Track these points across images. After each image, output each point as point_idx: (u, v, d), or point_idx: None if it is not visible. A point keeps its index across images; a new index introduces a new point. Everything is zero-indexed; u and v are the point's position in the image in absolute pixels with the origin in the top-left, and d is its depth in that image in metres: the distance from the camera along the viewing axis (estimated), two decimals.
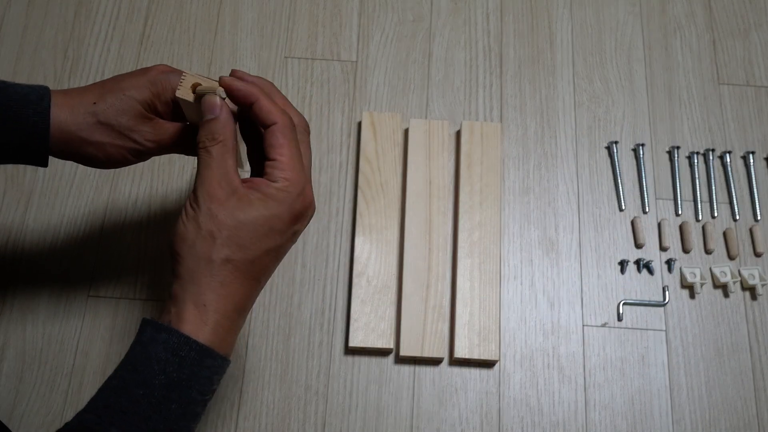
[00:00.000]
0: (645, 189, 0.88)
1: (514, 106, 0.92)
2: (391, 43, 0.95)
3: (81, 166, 0.86)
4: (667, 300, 0.84)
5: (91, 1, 0.96)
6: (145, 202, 0.86)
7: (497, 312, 0.81)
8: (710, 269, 0.85)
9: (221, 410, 0.78)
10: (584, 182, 0.89)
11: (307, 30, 0.95)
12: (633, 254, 0.86)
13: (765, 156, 0.90)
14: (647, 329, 0.82)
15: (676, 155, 0.90)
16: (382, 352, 0.80)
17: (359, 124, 0.90)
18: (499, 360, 0.80)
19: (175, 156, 0.88)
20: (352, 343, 0.79)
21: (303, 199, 0.54)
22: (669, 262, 0.85)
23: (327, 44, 0.95)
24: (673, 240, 0.86)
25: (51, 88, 0.60)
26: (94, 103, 0.59)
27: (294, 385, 0.79)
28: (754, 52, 0.95)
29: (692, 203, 0.88)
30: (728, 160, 0.89)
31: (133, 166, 0.78)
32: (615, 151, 0.90)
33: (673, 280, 0.85)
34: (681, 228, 0.87)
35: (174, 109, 0.62)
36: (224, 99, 0.55)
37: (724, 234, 0.87)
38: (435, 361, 0.80)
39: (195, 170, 0.87)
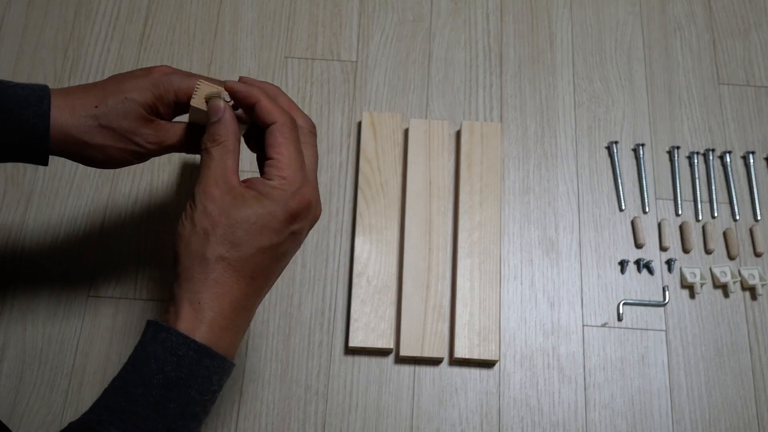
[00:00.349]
0: (645, 189, 0.88)
1: (514, 106, 0.92)
2: (391, 43, 0.95)
3: (81, 166, 0.86)
4: (667, 300, 0.84)
5: (91, 1, 0.96)
6: (145, 202, 0.86)
7: (497, 312, 0.81)
8: (710, 269, 0.85)
9: (221, 410, 0.78)
10: (584, 182, 0.89)
11: (307, 30, 0.95)
12: (633, 254, 0.86)
13: (765, 156, 0.90)
14: (647, 329, 0.82)
15: (676, 155, 0.90)
16: (382, 352, 0.80)
17: (359, 124, 0.90)
18: (499, 360, 0.80)
19: (175, 156, 0.88)
20: (352, 343, 0.79)
21: (300, 198, 0.54)
22: (669, 262, 0.85)
23: (327, 44, 0.95)
24: (673, 240, 0.86)
25: (51, 87, 0.60)
26: (96, 106, 0.59)
27: (294, 385, 0.79)
28: (754, 52, 0.95)
29: (692, 203, 0.88)
30: (728, 160, 0.89)
31: (133, 166, 0.77)
32: (615, 151, 0.90)
33: (673, 280, 0.85)
34: (681, 228, 0.87)
35: (176, 109, 0.62)
36: (228, 102, 0.56)
37: (724, 234, 0.87)
38: (435, 361, 0.80)
39: (195, 169, 0.88)
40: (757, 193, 0.88)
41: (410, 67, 0.94)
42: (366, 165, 0.86)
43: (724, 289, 0.84)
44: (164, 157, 0.87)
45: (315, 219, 0.57)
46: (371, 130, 0.88)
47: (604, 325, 0.83)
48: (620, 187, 0.88)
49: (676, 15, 0.97)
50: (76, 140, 0.59)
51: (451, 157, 0.89)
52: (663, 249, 0.86)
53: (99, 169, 0.86)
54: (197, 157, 0.88)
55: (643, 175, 0.89)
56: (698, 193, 0.88)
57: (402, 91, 0.92)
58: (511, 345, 0.82)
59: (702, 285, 0.84)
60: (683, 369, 0.81)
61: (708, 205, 0.88)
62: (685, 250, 0.86)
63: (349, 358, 0.80)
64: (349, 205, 0.86)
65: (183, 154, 0.88)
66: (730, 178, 0.89)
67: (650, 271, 0.85)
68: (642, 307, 0.83)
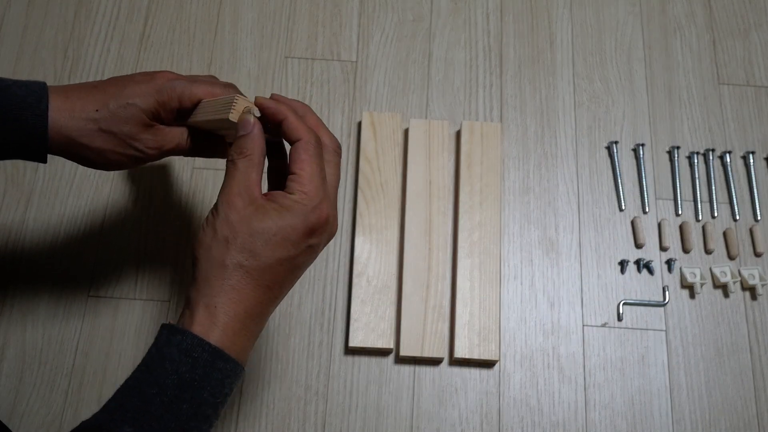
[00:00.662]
0: (645, 189, 0.88)
1: (514, 106, 0.92)
2: (391, 43, 0.95)
3: (81, 166, 0.86)
4: (667, 300, 0.84)
5: (91, 1, 0.96)
6: (145, 202, 0.86)
7: (497, 312, 0.81)
8: (710, 269, 0.85)
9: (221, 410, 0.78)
10: (584, 182, 0.89)
11: (307, 30, 0.95)
12: (633, 254, 0.86)
13: (765, 156, 0.90)
14: (647, 329, 0.82)
15: (676, 155, 0.90)
16: (382, 352, 0.80)
17: (359, 124, 0.90)
18: (499, 360, 0.80)
19: (176, 156, 0.88)
20: (352, 343, 0.79)
21: (319, 213, 0.55)
22: (669, 262, 0.85)
23: (327, 44, 0.95)
24: (673, 240, 0.86)
25: (50, 85, 0.59)
26: (97, 110, 0.58)
27: (294, 385, 0.79)
28: (754, 52, 0.95)
29: (692, 203, 0.88)
30: (728, 160, 0.89)
31: None
32: (615, 151, 0.90)
33: (673, 280, 0.85)
34: (681, 228, 0.87)
35: (177, 115, 0.62)
36: (258, 117, 0.57)
37: (724, 234, 0.87)
38: (435, 361, 0.80)
39: (195, 170, 0.88)
40: (757, 193, 0.88)
41: (410, 67, 0.94)
42: (366, 165, 0.86)
43: (724, 289, 0.84)
44: (164, 158, 0.87)
45: (332, 234, 0.58)
46: (371, 130, 0.88)
47: (604, 325, 0.83)
48: (620, 187, 0.88)
49: (676, 15, 0.97)
50: (76, 143, 0.59)
51: (451, 157, 0.89)
52: (663, 249, 0.86)
53: (99, 170, 0.86)
54: (197, 158, 0.88)
55: (643, 175, 0.89)
56: (698, 193, 0.88)
57: (402, 91, 0.92)
58: (511, 345, 0.82)
59: (702, 285, 0.84)
60: (683, 369, 0.81)
61: (708, 205, 0.88)
62: (685, 250, 0.86)
63: (349, 358, 0.80)
64: (349, 205, 0.86)
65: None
66: (730, 178, 0.89)
67: (650, 271, 0.85)
68: (642, 307, 0.83)
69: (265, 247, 0.53)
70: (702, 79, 0.94)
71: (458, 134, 0.89)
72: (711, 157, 0.89)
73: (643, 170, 0.89)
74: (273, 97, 0.60)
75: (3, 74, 0.91)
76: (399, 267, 0.83)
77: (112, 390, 0.52)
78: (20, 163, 0.87)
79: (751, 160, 0.89)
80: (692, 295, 0.84)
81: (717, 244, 0.86)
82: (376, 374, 0.80)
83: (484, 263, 0.82)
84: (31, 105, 0.57)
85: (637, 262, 0.85)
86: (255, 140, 0.56)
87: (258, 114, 0.57)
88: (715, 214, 0.87)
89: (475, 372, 0.80)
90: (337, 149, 0.59)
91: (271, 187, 0.62)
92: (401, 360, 0.80)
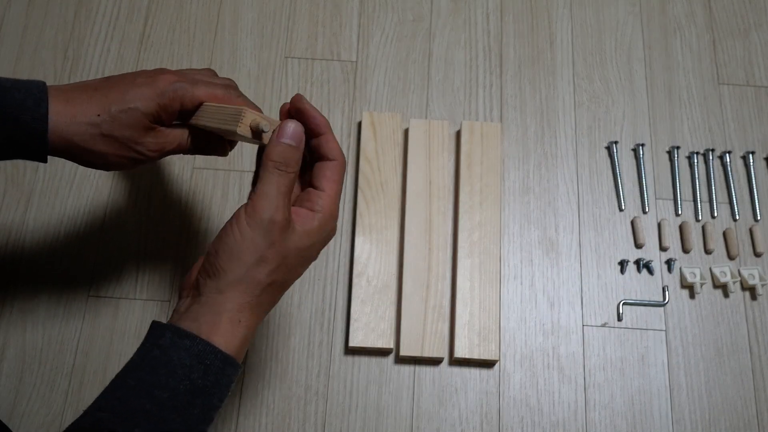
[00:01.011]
0: (645, 189, 0.88)
1: (514, 106, 0.92)
2: (391, 43, 0.95)
3: (81, 166, 0.86)
4: (667, 300, 0.84)
5: (91, 1, 0.96)
6: (145, 202, 0.86)
7: (497, 312, 0.81)
8: (710, 269, 0.85)
9: (221, 410, 0.78)
10: (584, 182, 0.89)
11: (307, 30, 0.95)
12: (633, 254, 0.86)
13: (765, 156, 0.90)
14: (647, 329, 0.82)
15: (676, 155, 0.90)
16: (382, 352, 0.80)
17: (359, 124, 0.90)
18: (499, 360, 0.80)
19: (175, 156, 0.88)
20: (352, 343, 0.79)
21: (332, 230, 0.59)
22: (669, 262, 0.85)
23: (327, 44, 0.95)
24: (673, 240, 0.86)
25: (50, 85, 0.59)
26: (98, 114, 0.58)
27: (294, 385, 0.79)
28: (754, 52, 0.95)
29: (692, 203, 0.88)
30: (728, 160, 0.89)
31: None
32: (615, 151, 0.90)
33: (673, 280, 0.85)
34: (681, 228, 0.87)
35: (179, 116, 0.62)
36: (266, 132, 0.57)
37: (724, 234, 0.87)
38: (435, 361, 0.80)
39: (195, 170, 0.87)
40: (757, 193, 0.88)
41: (410, 67, 0.94)
42: (366, 165, 0.86)
43: (724, 289, 0.84)
44: (164, 158, 0.87)
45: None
46: (371, 130, 0.88)
47: (604, 325, 0.83)
48: (620, 187, 0.88)
49: (676, 15, 0.97)
50: (77, 147, 0.58)
51: (451, 157, 0.89)
52: (663, 249, 0.86)
53: (99, 170, 0.86)
54: (197, 156, 0.88)
55: (643, 175, 0.89)
56: (698, 193, 0.88)
57: (402, 91, 0.92)
58: (511, 345, 0.82)
59: (702, 285, 0.84)
60: (683, 369, 0.81)
61: (708, 205, 0.88)
62: (685, 250, 0.86)
63: (349, 358, 0.80)
64: (349, 205, 0.86)
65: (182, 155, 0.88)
66: (730, 178, 0.89)
67: (650, 271, 0.85)
68: (642, 307, 0.84)
69: (296, 266, 0.57)
70: (702, 79, 0.94)
71: (458, 134, 0.89)
72: (711, 157, 0.89)
73: (643, 170, 0.89)
74: (298, 99, 0.59)
75: (3, 74, 0.91)
76: (399, 267, 0.83)
77: None
78: (20, 163, 0.87)
79: (751, 160, 0.89)
80: (692, 295, 0.84)
81: (717, 244, 0.86)
82: (376, 374, 0.80)
83: (484, 263, 0.82)
84: (30, 108, 0.56)
85: (637, 262, 0.85)
86: (300, 155, 0.56)
87: (266, 129, 0.56)
88: (715, 214, 0.87)
89: (475, 372, 0.80)
90: (345, 165, 0.61)
91: (253, 182, 0.62)
92: (401, 360, 0.80)
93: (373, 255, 0.82)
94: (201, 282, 0.54)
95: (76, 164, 0.61)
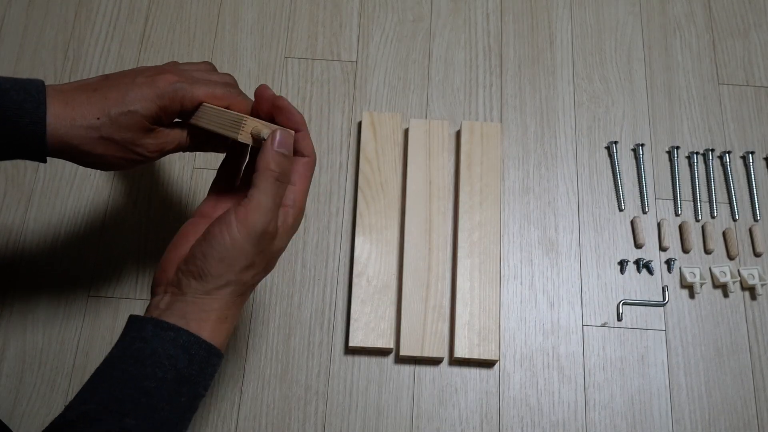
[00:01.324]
0: (645, 189, 0.88)
1: (514, 106, 0.92)
2: (391, 43, 0.95)
3: (81, 166, 0.86)
4: (666, 300, 0.84)
5: (91, 1, 0.96)
6: (145, 202, 0.86)
7: (497, 312, 0.81)
8: (710, 269, 0.85)
9: (221, 410, 0.78)
10: (584, 182, 0.89)
11: (307, 30, 0.95)
12: (633, 254, 0.86)
13: (764, 156, 0.90)
14: (647, 329, 0.82)
15: (675, 155, 0.90)
16: (382, 352, 0.80)
17: (359, 124, 0.90)
18: (499, 360, 0.80)
19: (175, 156, 0.88)
20: (352, 343, 0.79)
21: (298, 224, 0.61)
22: (669, 262, 0.85)
23: (327, 44, 0.95)
24: (672, 240, 0.86)
25: (48, 84, 0.58)
26: (98, 117, 0.57)
27: (294, 385, 0.79)
28: (754, 52, 0.95)
29: (692, 203, 0.88)
30: (728, 160, 0.89)
31: None
32: (615, 151, 0.90)
33: (672, 280, 0.85)
34: (681, 228, 0.87)
35: (179, 116, 0.62)
36: (264, 139, 0.57)
37: (724, 234, 0.87)
38: (435, 361, 0.80)
39: (195, 170, 0.88)
40: (757, 193, 0.88)
41: (410, 67, 0.94)
42: (366, 165, 0.86)
43: (724, 289, 0.84)
44: (164, 158, 0.87)
45: None
46: (371, 130, 0.88)
47: (603, 325, 0.83)
48: (620, 187, 0.88)
49: (676, 15, 0.97)
50: (76, 149, 0.58)
51: (451, 157, 0.89)
52: (663, 249, 0.86)
53: (99, 170, 0.86)
54: (197, 156, 0.88)
55: (643, 175, 0.89)
56: (698, 193, 0.88)
57: (402, 91, 0.92)
58: (511, 345, 0.82)
59: (702, 285, 0.84)
60: (683, 369, 0.81)
61: (707, 205, 0.88)
62: (685, 250, 0.86)
63: (349, 358, 0.80)
64: (349, 205, 0.86)
65: (183, 154, 0.88)
66: (730, 178, 0.89)
67: (650, 271, 0.85)
68: (642, 307, 0.84)
69: (273, 263, 0.59)
70: (702, 79, 0.94)
71: (458, 134, 0.89)
72: (710, 157, 0.90)
73: (642, 170, 0.89)
74: (280, 100, 0.60)
75: (3, 74, 0.91)
76: (399, 267, 0.83)
77: None
78: (20, 163, 0.87)
79: (751, 160, 0.89)
80: (692, 295, 0.84)
81: (716, 244, 0.86)
82: (376, 374, 0.80)
83: (484, 263, 0.82)
84: (28, 111, 0.56)
85: (637, 262, 0.85)
86: (290, 165, 0.58)
87: (266, 137, 0.57)
88: (715, 214, 0.88)
89: (475, 372, 0.80)
90: (316, 162, 0.62)
91: (217, 178, 0.63)
92: (401, 360, 0.80)
93: (373, 255, 0.82)
94: (184, 282, 0.55)
95: (76, 164, 0.61)
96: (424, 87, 0.93)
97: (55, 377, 0.79)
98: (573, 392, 0.80)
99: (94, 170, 0.86)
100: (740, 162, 0.90)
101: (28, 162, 0.86)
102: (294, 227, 0.59)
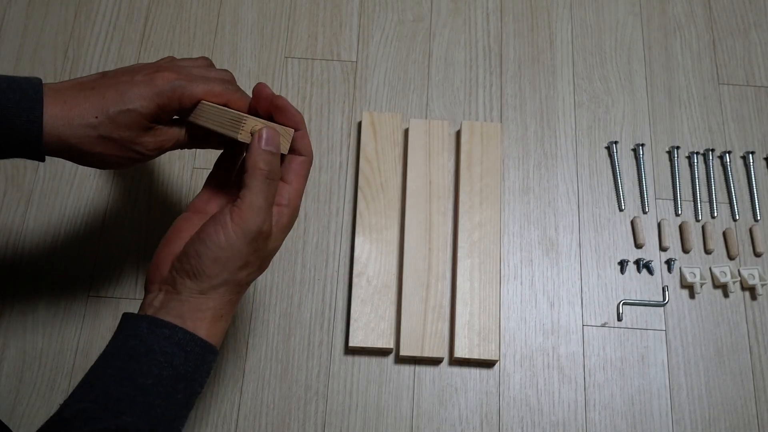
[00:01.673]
0: (645, 189, 0.88)
1: (514, 106, 0.92)
2: (391, 43, 0.95)
3: (82, 166, 0.86)
4: (666, 300, 0.84)
5: (91, 1, 0.96)
6: (145, 202, 0.86)
7: (497, 312, 0.81)
8: (710, 269, 0.85)
9: (221, 410, 0.78)
10: (584, 182, 0.89)
11: (307, 30, 0.95)
12: (633, 254, 0.86)
13: (765, 156, 0.90)
14: (647, 329, 0.82)
15: (675, 155, 0.90)
16: (382, 352, 0.80)
17: (359, 124, 0.90)
18: (499, 360, 0.80)
19: (175, 155, 0.88)
20: (352, 343, 0.79)
21: (293, 223, 0.61)
22: (669, 262, 0.85)
23: (327, 44, 0.95)
24: (672, 240, 0.86)
25: (46, 82, 0.58)
26: (96, 117, 0.57)
27: (294, 385, 0.79)
28: (754, 52, 0.95)
29: (692, 203, 0.88)
30: (728, 160, 0.89)
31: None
32: (615, 151, 0.90)
33: (672, 280, 0.85)
34: (681, 228, 0.87)
35: (177, 114, 0.61)
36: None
37: (724, 234, 0.87)
38: (435, 361, 0.80)
39: (195, 170, 0.88)
40: (757, 193, 0.88)
41: (410, 67, 0.94)
42: (366, 165, 0.86)
43: (724, 289, 0.84)
44: (164, 158, 0.88)
45: None
46: (371, 130, 0.88)
47: (603, 325, 0.83)
48: (620, 187, 0.88)
49: (676, 15, 0.97)
50: (74, 148, 0.58)
51: (451, 157, 0.89)
52: (663, 249, 0.86)
53: (99, 170, 0.86)
54: (197, 155, 0.88)
55: (643, 175, 0.89)
56: (698, 193, 0.88)
57: (402, 91, 0.92)
58: (511, 345, 0.82)
59: (702, 285, 0.84)
60: (683, 369, 0.81)
61: (708, 205, 0.88)
62: (685, 250, 0.86)
63: (349, 358, 0.80)
64: (349, 205, 0.86)
65: (182, 154, 0.88)
66: (730, 178, 0.89)
67: (650, 271, 0.85)
68: (642, 307, 0.84)
69: (268, 261, 0.59)
70: (702, 79, 0.94)
71: (458, 134, 0.89)
72: (711, 157, 0.90)
73: (642, 170, 0.89)
74: (279, 99, 0.60)
75: (2, 74, 0.91)
76: (399, 267, 0.83)
77: None
78: (20, 162, 0.87)
79: (751, 160, 0.89)
80: (692, 295, 0.84)
81: (717, 244, 0.86)
82: (376, 374, 0.80)
83: (484, 263, 0.82)
84: (25, 110, 0.55)
85: (637, 262, 0.85)
86: (278, 162, 0.58)
87: (264, 134, 0.57)
88: (715, 214, 0.87)
89: (475, 372, 0.80)
90: (312, 162, 0.63)
91: (213, 173, 0.64)
92: (401, 360, 0.80)
93: (373, 255, 0.82)
94: (179, 281, 0.55)
95: (76, 164, 0.61)
96: (424, 87, 0.93)
97: (54, 377, 0.79)
98: (573, 392, 0.80)
99: (94, 170, 0.86)
100: (740, 162, 0.90)
101: (27, 162, 0.86)
102: (289, 226, 0.59)
